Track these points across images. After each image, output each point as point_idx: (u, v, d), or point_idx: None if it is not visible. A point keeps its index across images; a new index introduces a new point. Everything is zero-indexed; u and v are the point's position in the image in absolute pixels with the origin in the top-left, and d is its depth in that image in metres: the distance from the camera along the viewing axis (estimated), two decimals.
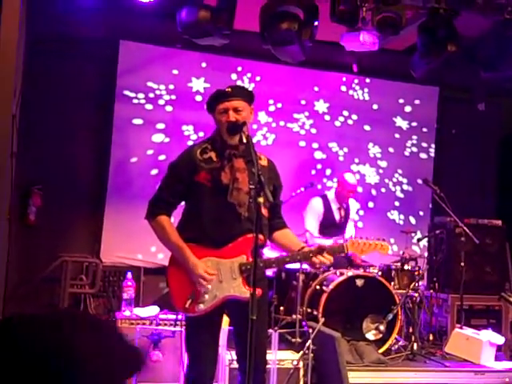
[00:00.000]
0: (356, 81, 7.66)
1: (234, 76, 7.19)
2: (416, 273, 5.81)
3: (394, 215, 7.74)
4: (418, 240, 6.51)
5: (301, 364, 4.57)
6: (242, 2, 5.50)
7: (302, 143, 7.45)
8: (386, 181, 7.76)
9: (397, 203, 7.78)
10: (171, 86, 6.95)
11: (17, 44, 4.44)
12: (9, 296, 5.52)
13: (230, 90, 3.37)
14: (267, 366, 3.64)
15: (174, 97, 6.95)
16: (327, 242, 5.55)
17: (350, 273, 5.50)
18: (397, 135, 7.81)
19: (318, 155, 7.52)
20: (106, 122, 6.70)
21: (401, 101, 7.82)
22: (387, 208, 7.73)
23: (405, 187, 7.82)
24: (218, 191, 3.27)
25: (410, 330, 5.65)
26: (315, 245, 3.54)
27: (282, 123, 7.36)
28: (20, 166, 5.30)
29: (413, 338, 5.49)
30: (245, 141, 3.20)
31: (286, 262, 3.51)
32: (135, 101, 6.81)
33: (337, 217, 6.33)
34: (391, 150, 7.78)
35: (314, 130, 7.49)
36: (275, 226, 3.53)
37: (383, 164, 7.74)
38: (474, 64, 6.40)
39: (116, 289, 6.36)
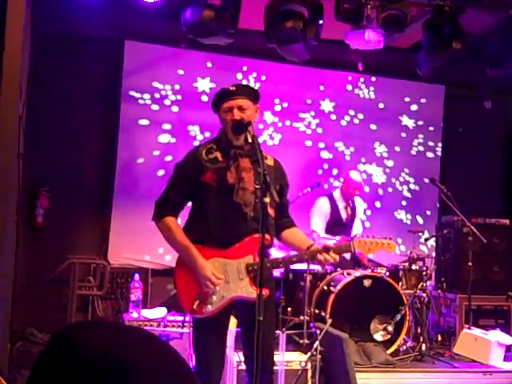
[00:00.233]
0: (362, 79, 7.63)
1: (239, 75, 7.17)
2: (424, 273, 5.77)
3: (401, 215, 7.71)
4: (426, 240, 6.48)
5: (309, 365, 4.54)
6: (247, 0, 5.49)
7: (308, 143, 7.43)
8: (393, 180, 7.73)
9: (404, 203, 7.74)
10: (177, 86, 6.94)
11: (22, 45, 4.44)
12: (17, 298, 5.51)
13: (234, 88, 3.35)
14: (275, 368, 3.62)
15: (179, 97, 6.94)
16: (333, 241, 5.53)
17: (358, 273, 5.47)
18: (403, 134, 7.78)
19: (325, 155, 7.49)
20: (112, 122, 6.69)
21: (407, 99, 7.78)
22: (394, 208, 7.69)
23: (412, 186, 7.78)
24: (223, 191, 3.26)
25: (419, 330, 5.61)
26: (322, 244, 3.52)
27: (287, 123, 7.33)
28: (27, 167, 5.30)
29: (421, 339, 5.46)
30: (250, 140, 3.18)
31: (293, 261, 3.49)
32: (141, 101, 6.81)
33: (343, 215, 6.32)
34: (397, 149, 7.74)
35: (320, 130, 7.46)
36: (283, 225, 3.52)
37: (390, 163, 7.71)
38: (480, 61, 6.37)
39: (124, 290, 6.35)
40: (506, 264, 6.40)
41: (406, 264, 5.83)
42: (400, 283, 5.66)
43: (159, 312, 4.92)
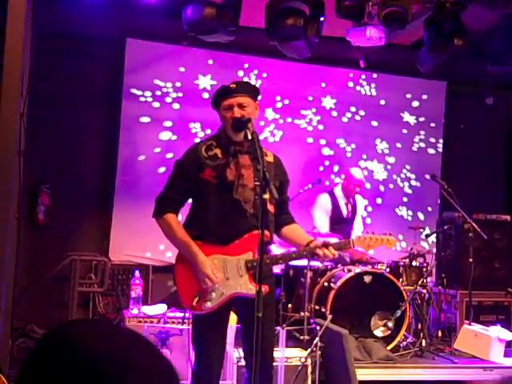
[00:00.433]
0: (363, 76, 7.63)
1: (240, 73, 7.18)
2: (424, 269, 5.78)
3: (402, 211, 7.71)
4: (426, 236, 6.48)
5: (309, 361, 4.56)
6: None
7: (310, 139, 7.44)
8: (394, 177, 7.73)
9: (405, 199, 7.75)
10: (178, 84, 6.94)
11: (23, 43, 4.46)
12: (18, 295, 5.54)
13: (234, 85, 3.36)
14: (275, 364, 3.64)
15: (180, 94, 6.95)
16: (335, 238, 5.55)
17: (358, 269, 5.48)
18: (404, 131, 7.78)
19: (326, 151, 7.50)
20: (113, 120, 6.70)
21: (408, 96, 7.78)
22: (395, 204, 7.70)
23: (413, 183, 7.78)
24: (223, 188, 3.27)
25: (419, 326, 5.63)
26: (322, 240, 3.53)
27: (289, 120, 7.34)
28: (28, 165, 5.30)
29: (421, 335, 5.47)
30: (250, 137, 3.19)
31: (293, 258, 3.51)
32: (142, 99, 6.82)
33: (344, 212, 6.32)
34: (399, 145, 7.74)
35: (321, 127, 7.46)
36: (283, 222, 3.53)
37: (391, 160, 7.71)
38: (482, 58, 6.36)
39: (125, 287, 6.37)
40: (506, 260, 6.40)
41: (407, 260, 5.84)
42: (400, 279, 5.67)
43: (159, 308, 4.94)
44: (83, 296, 6.27)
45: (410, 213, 7.73)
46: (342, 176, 6.68)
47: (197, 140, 6.57)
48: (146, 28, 6.62)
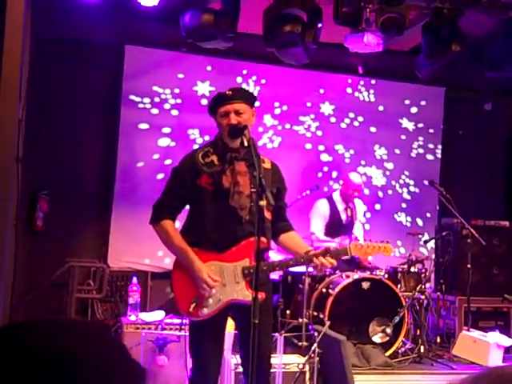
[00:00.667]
0: (361, 82, 7.65)
1: (239, 79, 7.20)
2: (422, 275, 5.78)
3: (401, 217, 7.71)
4: (425, 242, 6.48)
5: (307, 368, 4.55)
6: (246, 4, 5.51)
7: (308, 146, 7.44)
8: (393, 183, 7.74)
9: (404, 205, 7.75)
10: (177, 90, 6.96)
11: (21, 49, 4.47)
12: (17, 301, 5.55)
13: (230, 92, 3.36)
14: (272, 370, 3.63)
15: (179, 101, 6.97)
16: (333, 243, 5.55)
17: (356, 275, 5.49)
18: (403, 137, 7.79)
19: (324, 157, 7.51)
20: (112, 126, 6.72)
21: (407, 102, 7.79)
22: (394, 210, 7.70)
23: (412, 189, 7.79)
24: (219, 195, 3.27)
25: (418, 332, 5.62)
26: (320, 247, 3.53)
27: (287, 126, 7.35)
28: (27, 171, 5.33)
29: (420, 341, 5.47)
30: (246, 144, 3.19)
31: (290, 265, 3.51)
32: (141, 105, 6.83)
33: (343, 217, 6.32)
34: (397, 151, 7.75)
35: (319, 133, 7.48)
36: (281, 229, 3.52)
37: (390, 166, 7.72)
38: (480, 64, 6.38)
39: (123, 293, 6.36)
40: (505, 266, 6.41)
41: (405, 266, 5.84)
42: (399, 285, 5.67)
43: (157, 315, 4.93)
44: (82, 302, 6.27)
45: (409, 219, 7.73)
46: (341, 182, 6.68)
47: (195, 146, 6.57)
48: (145, 34, 6.64)
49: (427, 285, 5.92)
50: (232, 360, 4.36)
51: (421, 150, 7.84)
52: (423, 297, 5.69)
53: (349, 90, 7.62)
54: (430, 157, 7.86)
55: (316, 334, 4.63)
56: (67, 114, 6.45)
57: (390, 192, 7.71)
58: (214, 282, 3.23)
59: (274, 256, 4.83)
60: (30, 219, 6.17)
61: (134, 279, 5.32)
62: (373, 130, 7.66)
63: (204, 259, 3.26)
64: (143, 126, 6.83)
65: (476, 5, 5.74)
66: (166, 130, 6.92)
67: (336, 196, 6.39)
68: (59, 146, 6.41)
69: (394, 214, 7.69)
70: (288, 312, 5.66)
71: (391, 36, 5.73)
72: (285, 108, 7.33)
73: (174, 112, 6.96)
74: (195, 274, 3.23)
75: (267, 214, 3.29)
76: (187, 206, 3.46)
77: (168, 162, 6.75)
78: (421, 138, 7.84)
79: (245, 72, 7.23)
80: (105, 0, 5.44)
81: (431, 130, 7.87)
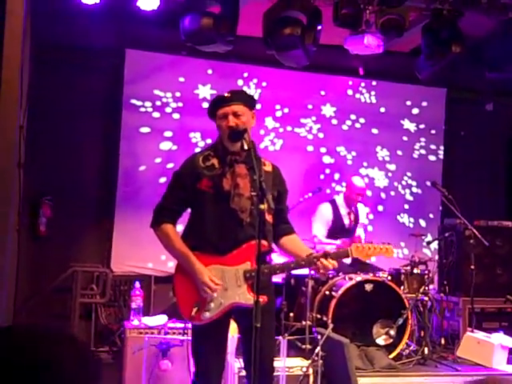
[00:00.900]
0: (363, 84, 7.64)
1: (240, 82, 7.20)
2: (426, 276, 5.77)
3: (403, 218, 7.70)
4: (428, 243, 6.47)
5: (310, 371, 4.54)
6: (246, 7, 5.51)
7: (310, 148, 7.44)
8: (395, 184, 7.72)
9: (406, 206, 7.74)
10: (178, 94, 6.97)
11: (22, 55, 4.48)
12: (20, 306, 5.55)
13: (228, 94, 3.37)
14: (276, 373, 3.63)
15: (180, 104, 6.97)
16: (334, 246, 5.54)
17: (359, 278, 5.47)
18: (405, 138, 7.78)
19: (326, 160, 7.50)
20: (113, 131, 6.72)
21: (408, 103, 7.78)
22: (397, 211, 7.69)
23: (414, 190, 7.78)
24: (220, 198, 3.27)
25: (422, 334, 5.61)
26: (322, 250, 3.52)
27: (289, 128, 7.35)
28: (29, 177, 5.34)
29: (424, 343, 5.45)
30: (246, 147, 3.19)
31: (291, 267, 3.49)
32: (142, 109, 6.84)
33: (346, 221, 6.31)
34: (399, 152, 7.74)
35: (321, 135, 7.47)
36: (282, 232, 3.51)
37: (392, 167, 7.71)
38: (481, 64, 6.37)
39: (127, 298, 6.36)
40: (508, 266, 6.39)
41: (408, 268, 5.83)
42: (402, 287, 5.66)
43: (160, 319, 4.92)
44: (85, 307, 6.27)
45: (412, 220, 7.72)
46: (343, 184, 6.67)
47: (197, 150, 6.58)
48: (146, 38, 6.65)
49: (431, 286, 5.91)
50: (235, 364, 4.36)
51: (423, 151, 7.83)
52: (427, 298, 5.68)
53: (350, 92, 7.62)
54: (432, 158, 7.85)
55: (319, 336, 4.62)
56: (69, 120, 6.46)
57: (392, 193, 7.70)
58: (216, 286, 3.22)
59: (277, 259, 4.83)
60: (33, 225, 6.18)
61: (137, 283, 5.32)
62: (374, 131, 7.65)
63: (205, 263, 3.26)
64: (145, 129, 6.84)
65: (476, 6, 5.74)
66: (168, 133, 6.93)
67: (339, 200, 6.38)
68: (61, 152, 6.41)
69: (397, 216, 7.68)
70: (291, 315, 5.65)
71: (391, 37, 5.75)
72: (286, 110, 7.33)
73: (176, 115, 6.97)
74: (197, 278, 3.23)
75: (268, 217, 3.29)
76: (188, 210, 3.46)
77: (170, 165, 6.75)
78: (423, 139, 7.83)
79: (246, 75, 7.23)
80: (104, 5, 5.44)
81: (433, 131, 7.86)
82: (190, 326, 3.43)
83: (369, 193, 7.22)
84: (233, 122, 3.28)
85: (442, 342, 5.92)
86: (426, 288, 5.66)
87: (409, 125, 7.80)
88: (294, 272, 5.69)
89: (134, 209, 6.55)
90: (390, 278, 5.66)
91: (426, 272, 5.84)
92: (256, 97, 6.96)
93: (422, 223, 7.71)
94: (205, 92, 7.03)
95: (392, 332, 5.24)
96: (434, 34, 5.74)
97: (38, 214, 6.22)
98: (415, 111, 7.81)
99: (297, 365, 4.58)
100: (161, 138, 6.89)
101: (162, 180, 6.71)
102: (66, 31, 6.26)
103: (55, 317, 6.14)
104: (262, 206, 2.91)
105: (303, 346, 5.12)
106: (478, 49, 6.44)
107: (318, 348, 4.49)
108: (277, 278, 5.52)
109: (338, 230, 6.24)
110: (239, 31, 5.37)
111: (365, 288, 5.40)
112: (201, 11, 5.29)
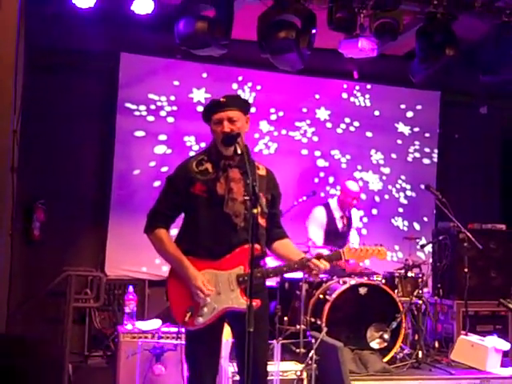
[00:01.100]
0: (357, 87, 7.66)
1: (234, 86, 7.20)
2: (419, 280, 5.78)
3: (398, 222, 7.71)
4: (422, 246, 6.47)
5: (304, 375, 4.54)
6: (241, 11, 5.52)
7: (305, 151, 7.45)
8: (390, 187, 7.74)
9: (400, 209, 7.75)
10: (172, 97, 6.96)
11: (15, 58, 4.48)
12: (14, 311, 5.53)
13: (223, 99, 3.36)
14: (270, 377, 3.62)
15: (175, 108, 6.97)
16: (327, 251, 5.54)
17: (353, 281, 5.48)
18: (399, 141, 7.79)
19: (321, 163, 7.51)
20: (107, 134, 6.72)
21: (402, 106, 7.80)
22: (391, 214, 7.70)
23: (408, 193, 7.79)
24: (213, 202, 3.27)
25: (416, 337, 5.61)
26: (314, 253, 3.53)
27: (283, 132, 7.36)
28: (23, 181, 5.33)
29: (418, 346, 5.46)
30: (239, 152, 3.19)
31: (284, 271, 3.50)
32: (137, 113, 6.83)
33: (339, 225, 6.32)
34: (394, 156, 7.76)
35: (315, 138, 7.48)
36: (275, 236, 3.51)
37: (386, 170, 7.72)
38: (474, 68, 6.39)
39: (121, 302, 6.33)
40: (502, 269, 6.41)
41: (402, 271, 5.84)
42: (396, 290, 5.66)
43: (154, 324, 4.91)
44: (79, 311, 6.25)
45: (406, 223, 7.73)
46: (338, 188, 6.68)
47: (192, 153, 6.57)
48: (140, 42, 6.64)
49: (425, 289, 5.92)
50: (229, 368, 4.36)
51: (417, 155, 7.85)
52: (421, 301, 5.68)
53: (344, 95, 7.64)
54: (426, 161, 7.87)
55: (313, 340, 4.62)
56: (63, 123, 6.44)
57: (386, 197, 7.71)
58: (209, 290, 3.22)
59: (272, 263, 4.83)
60: (27, 229, 6.17)
61: (130, 288, 5.32)
62: (369, 134, 7.66)
63: (199, 267, 3.26)
64: (139, 133, 6.83)
65: (469, 9, 5.77)
66: (162, 137, 6.92)
67: (333, 203, 6.38)
68: (55, 155, 6.40)
69: (391, 219, 7.69)
70: (285, 319, 5.64)
71: (385, 41, 5.76)
72: (281, 114, 7.33)
73: (170, 119, 6.97)
74: (190, 283, 3.23)
75: (262, 221, 3.29)
76: (182, 215, 3.46)
77: (164, 169, 6.75)
78: (417, 143, 7.85)
79: (240, 78, 7.23)
80: (99, 9, 5.44)
81: (427, 134, 7.88)
82: (183, 330, 3.42)
83: (363, 196, 7.23)
84: (227, 128, 3.28)
85: (436, 345, 5.92)
86: (420, 291, 5.66)
87: (403, 128, 7.81)
88: (288, 276, 5.70)
89: (128, 213, 6.54)
90: (383, 281, 5.67)
91: (420, 275, 5.85)
92: (251, 100, 6.98)
93: (416, 226, 7.72)
94: (199, 96, 7.03)
95: (386, 335, 5.25)
96: (428, 38, 5.76)
97: (32, 218, 6.20)
98: (409, 114, 7.82)
99: (291, 369, 4.58)
100: (155, 141, 6.89)
101: (157, 184, 6.71)
102: (60, 35, 6.24)
103: (49, 321, 6.12)
104: (254, 210, 2.92)
105: (297, 350, 5.12)
106: (472, 52, 6.46)
107: (312, 352, 4.49)
108: (271, 282, 5.53)
109: (331, 233, 6.24)
110: (234, 35, 5.38)
111: (359, 291, 5.41)
112: (195, 15, 5.29)
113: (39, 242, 6.26)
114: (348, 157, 7.60)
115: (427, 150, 7.88)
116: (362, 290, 5.40)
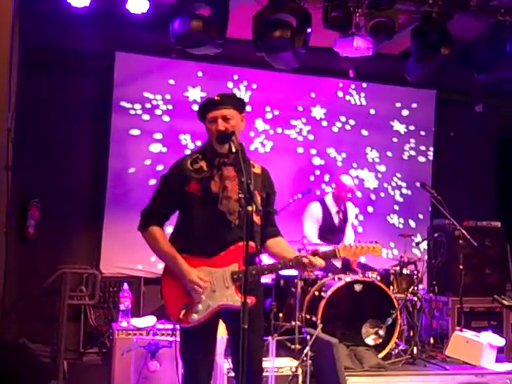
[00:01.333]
0: (352, 86, 7.67)
1: (230, 84, 7.21)
2: (415, 276, 5.80)
3: (393, 219, 7.73)
4: (417, 243, 6.49)
5: (299, 371, 4.56)
6: (236, 10, 5.53)
7: (300, 149, 7.46)
8: (385, 185, 7.76)
9: (396, 207, 7.77)
10: (168, 96, 6.97)
11: (9, 57, 4.47)
12: (8, 309, 5.54)
13: (218, 98, 3.37)
14: (265, 374, 3.63)
15: (170, 106, 6.98)
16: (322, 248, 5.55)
17: (349, 278, 5.50)
18: (395, 139, 7.81)
19: (316, 161, 7.52)
20: (103, 133, 6.72)
21: (398, 105, 7.82)
22: (387, 212, 7.72)
23: (404, 191, 7.81)
24: (208, 200, 3.28)
25: (411, 333, 5.64)
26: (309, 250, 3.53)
27: (279, 130, 7.37)
28: (17, 179, 5.33)
29: (413, 342, 5.48)
30: (234, 150, 3.20)
31: (279, 268, 3.49)
32: (132, 111, 6.83)
33: (336, 220, 6.35)
34: (389, 154, 7.77)
35: (311, 136, 7.50)
36: (268, 234, 3.51)
37: (382, 168, 7.74)
38: (470, 66, 6.41)
39: (116, 299, 6.34)
40: (497, 266, 6.45)
41: (397, 268, 5.86)
42: (391, 287, 5.69)
43: (148, 320, 4.92)
44: (74, 309, 6.26)
45: (402, 220, 7.76)
46: (333, 185, 6.70)
47: (187, 152, 6.59)
48: (135, 41, 6.65)
49: (420, 286, 5.94)
50: (224, 364, 4.37)
51: (412, 153, 7.87)
52: (416, 298, 5.72)
53: (340, 94, 7.65)
54: (421, 159, 7.89)
55: (309, 337, 4.64)
56: (58, 122, 6.44)
57: (382, 194, 7.74)
58: (205, 283, 3.23)
59: (267, 260, 4.84)
60: (22, 227, 6.17)
61: (125, 285, 5.32)
62: (364, 133, 7.68)
63: (193, 265, 3.26)
64: (134, 132, 6.84)
65: (465, 9, 5.79)
66: (158, 135, 6.93)
67: (328, 199, 6.41)
68: (50, 154, 6.40)
69: (387, 216, 7.71)
70: (281, 315, 5.67)
71: (381, 40, 5.77)
72: (276, 112, 7.34)
73: (166, 118, 6.97)
74: (185, 278, 3.23)
75: (256, 219, 3.29)
76: (176, 212, 3.47)
77: (160, 167, 6.75)
78: (412, 141, 7.87)
79: (236, 77, 7.24)
80: (94, 8, 5.44)
81: (423, 133, 7.90)
82: (178, 327, 3.43)
83: (359, 194, 7.26)
84: (222, 126, 3.29)
85: (431, 341, 5.96)
86: (415, 288, 5.70)
87: (399, 126, 7.83)
88: (284, 273, 5.72)
89: (123, 210, 6.54)
90: (379, 278, 5.69)
91: (416, 272, 5.87)
92: (246, 99, 6.98)
93: (412, 224, 7.75)
94: (195, 94, 7.03)
95: (381, 332, 5.27)
96: (424, 37, 5.77)
97: (27, 216, 6.20)
98: (405, 113, 7.85)
99: (286, 365, 4.59)
100: (151, 140, 6.89)
101: (152, 182, 6.71)
102: (55, 34, 6.25)
103: (44, 319, 6.13)
104: (249, 208, 2.93)
105: (292, 347, 5.14)
106: (467, 51, 6.49)
107: (307, 348, 4.50)
108: (266, 279, 5.54)
109: (327, 228, 6.27)
110: (229, 34, 5.38)
111: (354, 288, 5.43)
112: (190, 14, 5.29)
113: (34, 239, 6.27)
114: (343, 155, 7.62)
115: (423, 148, 7.90)
116: (358, 287, 5.43)
